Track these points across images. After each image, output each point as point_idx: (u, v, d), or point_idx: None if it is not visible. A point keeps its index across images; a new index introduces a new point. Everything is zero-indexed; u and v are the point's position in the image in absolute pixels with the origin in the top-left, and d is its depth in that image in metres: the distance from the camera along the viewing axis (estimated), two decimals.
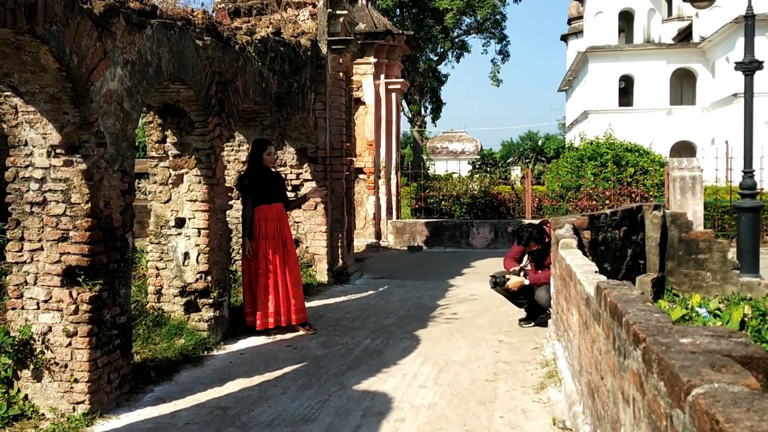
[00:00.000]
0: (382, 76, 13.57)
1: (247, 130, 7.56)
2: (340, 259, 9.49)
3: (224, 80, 6.14)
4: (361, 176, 13.73)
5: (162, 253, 6.00)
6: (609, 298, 2.57)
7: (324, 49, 9.10)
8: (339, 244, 9.48)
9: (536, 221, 7.24)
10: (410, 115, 44.94)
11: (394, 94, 13.88)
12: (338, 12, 9.19)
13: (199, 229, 5.92)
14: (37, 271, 4.28)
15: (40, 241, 4.27)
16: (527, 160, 31.92)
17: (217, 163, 6.01)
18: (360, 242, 13.57)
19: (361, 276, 10.06)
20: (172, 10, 5.31)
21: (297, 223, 9.30)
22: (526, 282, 6.59)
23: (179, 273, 5.96)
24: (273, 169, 6.76)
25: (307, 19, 9.30)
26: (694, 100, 34.65)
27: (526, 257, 6.79)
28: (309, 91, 8.73)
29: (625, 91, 36.26)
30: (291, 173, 9.33)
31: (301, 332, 6.47)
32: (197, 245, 5.92)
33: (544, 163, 19.54)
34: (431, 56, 45.12)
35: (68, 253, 4.24)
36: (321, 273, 9.23)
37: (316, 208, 9.25)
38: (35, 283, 4.29)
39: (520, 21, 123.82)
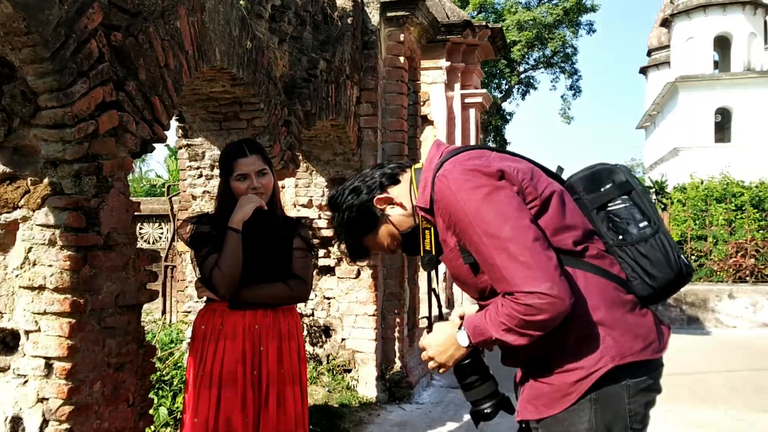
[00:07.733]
0: (457, 86, 9.92)
1: (226, 135, 4.05)
2: (396, 359, 5.82)
3: (131, 7, 2.66)
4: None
5: None
6: None
7: (375, 18, 5.62)
8: (396, 333, 5.82)
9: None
10: None
11: (472, 111, 10.21)
12: None
13: (47, 358, 2.37)
14: None
15: None
16: None
17: (106, 196, 2.50)
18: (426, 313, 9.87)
19: (429, 382, 6.35)
20: None
21: (327, 299, 5.71)
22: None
23: None
24: (280, 213, 2.97)
25: None
26: None
27: None
28: (348, 81, 5.22)
29: (720, 125, 32.01)
30: (321, 218, 5.79)
31: None
32: (43, 400, 2.37)
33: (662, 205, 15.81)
34: (496, 93, 42.21)
35: None
36: (365, 384, 5.57)
37: (358, 275, 5.65)
38: None
39: (591, 54, 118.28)
